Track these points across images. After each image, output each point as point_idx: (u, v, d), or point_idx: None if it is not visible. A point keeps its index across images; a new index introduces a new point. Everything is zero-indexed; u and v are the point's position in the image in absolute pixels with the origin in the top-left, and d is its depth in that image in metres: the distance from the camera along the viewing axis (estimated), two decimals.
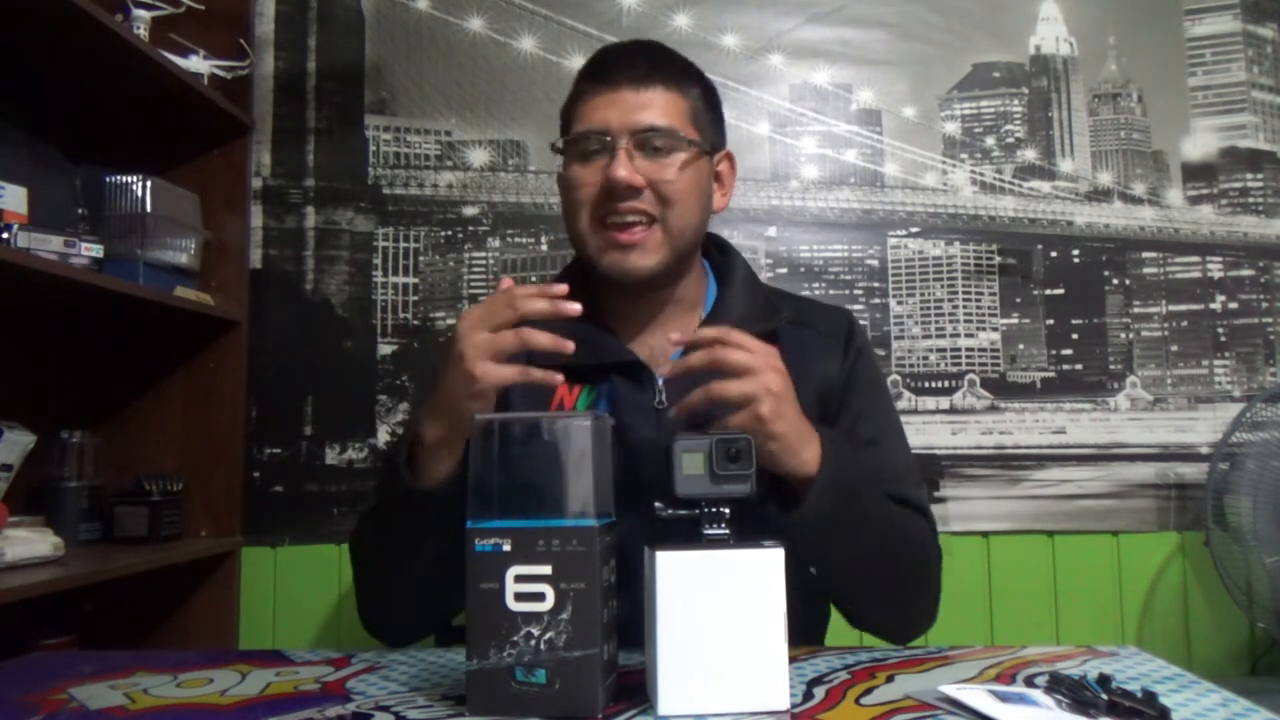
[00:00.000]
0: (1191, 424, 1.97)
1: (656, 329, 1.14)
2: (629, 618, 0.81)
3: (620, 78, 1.07)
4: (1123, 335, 2.00)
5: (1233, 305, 2.01)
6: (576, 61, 1.98)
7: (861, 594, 1.07)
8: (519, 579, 0.73)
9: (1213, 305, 2.01)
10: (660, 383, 1.09)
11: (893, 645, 1.07)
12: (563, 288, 0.92)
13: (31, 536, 1.40)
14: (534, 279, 1.95)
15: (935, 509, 1.87)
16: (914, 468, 1.17)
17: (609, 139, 1.05)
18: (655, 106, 1.06)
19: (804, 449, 0.95)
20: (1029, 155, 2.04)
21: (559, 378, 0.94)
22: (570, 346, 0.92)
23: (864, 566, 1.02)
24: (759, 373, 0.92)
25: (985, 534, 1.93)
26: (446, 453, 0.95)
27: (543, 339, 0.90)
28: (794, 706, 0.76)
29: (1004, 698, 0.75)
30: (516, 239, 1.99)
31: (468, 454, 0.79)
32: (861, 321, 1.96)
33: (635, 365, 1.10)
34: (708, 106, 1.14)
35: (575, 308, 0.92)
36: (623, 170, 1.03)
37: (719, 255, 1.21)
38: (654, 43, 1.18)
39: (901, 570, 1.06)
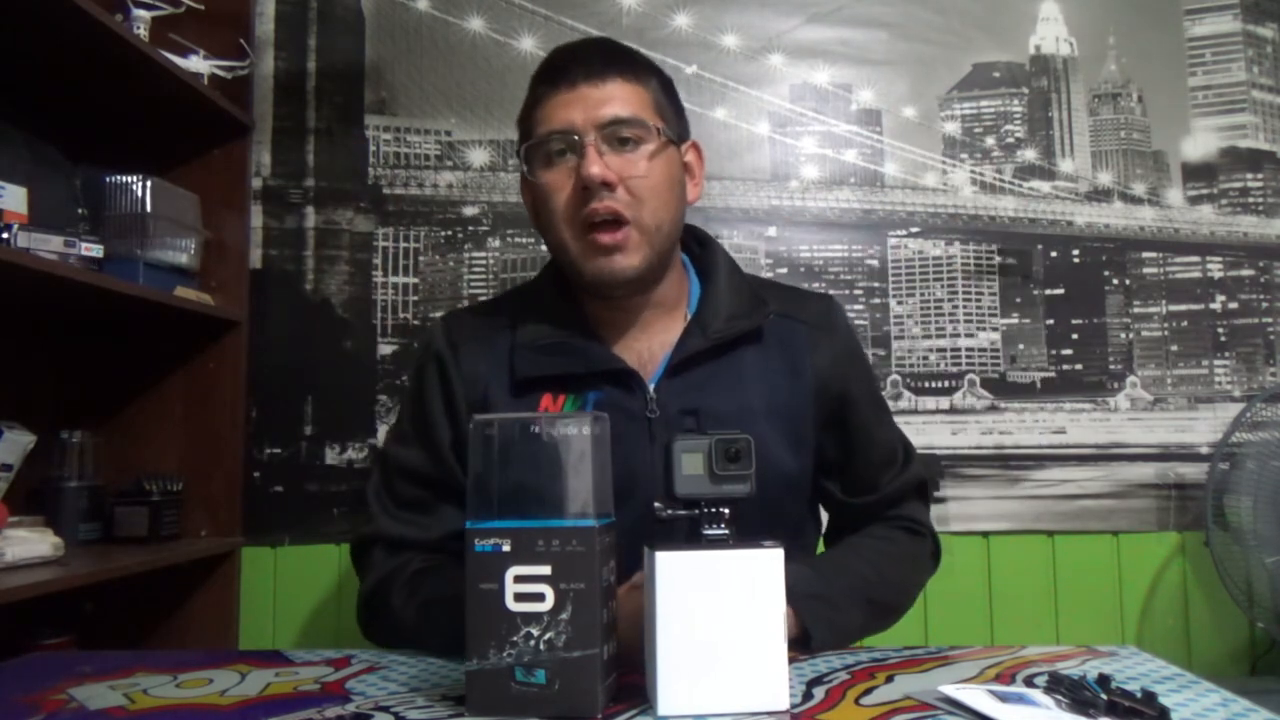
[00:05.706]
0: (1191, 424, 1.97)
1: (641, 333, 1.12)
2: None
3: (578, 75, 1.05)
4: (1123, 335, 2.00)
5: (1233, 305, 2.01)
6: None
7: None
8: (519, 579, 0.73)
9: (1213, 305, 2.01)
10: (652, 389, 1.09)
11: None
12: None
13: (31, 536, 1.40)
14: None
15: (935, 509, 1.89)
16: (900, 443, 1.19)
17: (576, 137, 1.04)
18: (617, 99, 1.05)
19: None
20: (1029, 155, 2.04)
21: None
22: None
23: (874, 627, 1.09)
24: None
25: (985, 534, 1.93)
26: None
27: None
28: (794, 706, 0.76)
29: (1004, 698, 0.75)
30: (516, 239, 1.98)
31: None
32: (861, 322, 1.97)
33: (625, 373, 1.08)
34: (668, 97, 1.12)
35: None
36: (595, 167, 1.02)
37: (699, 249, 1.19)
38: (605, 38, 1.19)
39: (903, 606, 1.14)
